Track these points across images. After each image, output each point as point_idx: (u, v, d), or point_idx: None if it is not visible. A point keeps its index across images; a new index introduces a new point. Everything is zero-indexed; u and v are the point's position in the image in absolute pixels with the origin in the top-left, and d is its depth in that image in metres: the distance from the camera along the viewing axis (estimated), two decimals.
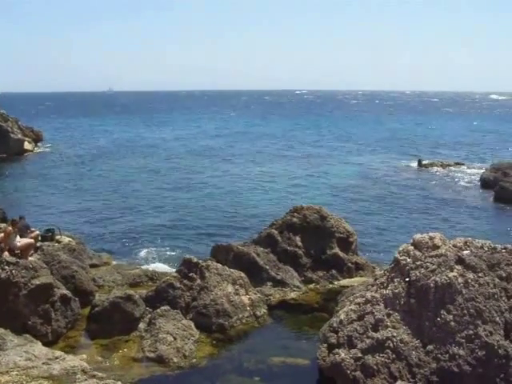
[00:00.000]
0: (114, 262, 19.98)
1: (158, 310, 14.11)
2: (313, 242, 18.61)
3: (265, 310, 15.62)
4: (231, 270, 16.19)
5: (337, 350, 11.68)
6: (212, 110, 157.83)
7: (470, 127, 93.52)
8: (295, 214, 19.17)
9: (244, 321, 14.96)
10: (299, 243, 18.59)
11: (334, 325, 12.25)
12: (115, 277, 17.79)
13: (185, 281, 15.49)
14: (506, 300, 11.91)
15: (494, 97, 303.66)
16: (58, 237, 18.40)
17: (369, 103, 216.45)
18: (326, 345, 12.09)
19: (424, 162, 46.87)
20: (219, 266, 16.08)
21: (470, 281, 11.84)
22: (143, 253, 22.12)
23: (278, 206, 30.20)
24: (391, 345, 11.40)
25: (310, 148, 61.22)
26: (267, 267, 17.44)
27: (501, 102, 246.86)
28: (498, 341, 11.23)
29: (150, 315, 14.28)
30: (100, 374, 10.54)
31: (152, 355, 12.86)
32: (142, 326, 14.13)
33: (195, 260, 15.96)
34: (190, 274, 15.58)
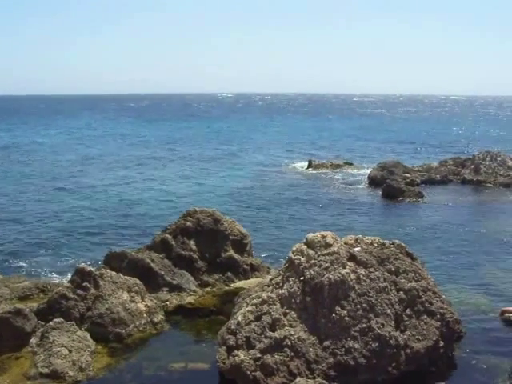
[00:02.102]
0: (1, 276, 19.00)
1: (51, 323, 13.57)
2: (207, 245, 18.62)
3: (162, 316, 15.44)
4: (126, 277, 15.87)
5: (236, 351, 11.76)
6: (89, 113, 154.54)
7: (353, 128, 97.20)
8: (189, 217, 19.10)
9: (141, 328, 14.70)
10: (194, 247, 18.53)
11: (232, 327, 12.32)
12: (3, 291, 16.90)
13: (78, 291, 15.00)
14: (395, 293, 12.52)
15: (372, 99, 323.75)
16: None
17: (250, 105, 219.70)
18: (224, 347, 12.13)
19: (314, 163, 47.95)
20: (113, 273, 15.73)
21: (361, 276, 12.32)
22: (33, 264, 21.20)
23: (171, 210, 29.97)
24: (289, 343, 11.63)
25: (199, 151, 61.20)
26: (162, 273, 17.26)
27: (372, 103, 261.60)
28: (389, 332, 11.79)
29: (42, 329, 13.70)
30: None
31: (46, 371, 12.33)
32: (34, 340, 13.51)
33: (88, 269, 15.49)
34: (84, 284, 15.11)
